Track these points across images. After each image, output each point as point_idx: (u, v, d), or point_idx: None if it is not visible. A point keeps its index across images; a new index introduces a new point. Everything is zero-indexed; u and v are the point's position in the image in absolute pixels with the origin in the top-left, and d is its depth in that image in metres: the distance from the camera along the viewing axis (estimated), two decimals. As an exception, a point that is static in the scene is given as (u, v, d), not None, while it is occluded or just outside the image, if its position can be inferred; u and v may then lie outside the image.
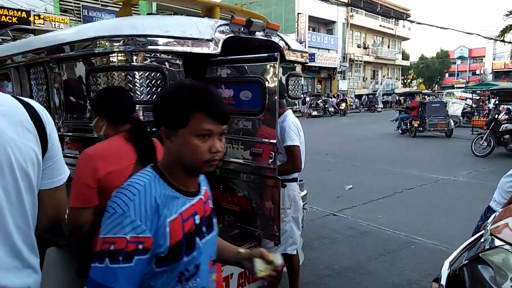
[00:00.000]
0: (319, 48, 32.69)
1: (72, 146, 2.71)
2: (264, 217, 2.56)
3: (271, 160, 2.43)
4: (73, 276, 2.17)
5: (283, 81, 3.26)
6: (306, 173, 3.79)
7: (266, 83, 2.40)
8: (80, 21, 15.28)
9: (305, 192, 3.51)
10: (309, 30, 31.82)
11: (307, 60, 3.56)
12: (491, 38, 29.29)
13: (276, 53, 2.34)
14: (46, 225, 1.33)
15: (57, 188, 1.29)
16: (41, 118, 1.22)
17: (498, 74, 51.67)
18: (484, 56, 57.49)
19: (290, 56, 3.16)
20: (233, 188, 2.71)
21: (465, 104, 20.51)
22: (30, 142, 1.17)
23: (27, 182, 1.16)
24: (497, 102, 12.87)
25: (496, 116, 11.29)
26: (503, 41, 26.80)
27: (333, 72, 35.17)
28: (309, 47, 29.08)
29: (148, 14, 3.24)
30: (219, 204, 2.81)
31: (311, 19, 31.92)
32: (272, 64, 2.36)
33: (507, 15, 24.98)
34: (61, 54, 2.58)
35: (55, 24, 14.30)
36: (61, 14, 15.25)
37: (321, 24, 35.11)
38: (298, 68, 3.43)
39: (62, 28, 13.05)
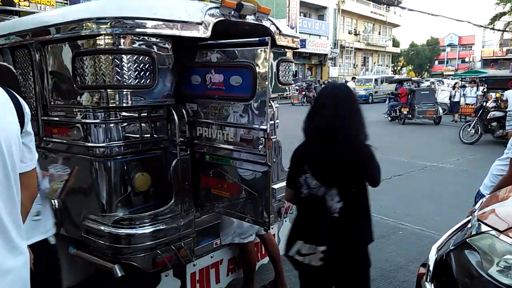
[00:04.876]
0: (310, 34, 32.48)
1: (59, 131, 2.66)
2: (254, 204, 2.56)
3: (261, 146, 2.42)
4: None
5: (274, 66, 3.22)
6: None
7: (257, 68, 2.36)
8: (67, 2, 14.92)
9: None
10: (300, 15, 31.55)
11: (298, 46, 3.52)
12: (481, 26, 29.41)
13: (267, 37, 2.30)
14: (29, 207, 1.41)
15: (34, 169, 1.38)
16: (18, 98, 1.31)
17: (487, 62, 52.17)
18: (473, 44, 57.85)
19: (281, 41, 3.12)
20: (223, 174, 2.69)
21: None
22: (14, 119, 1.25)
23: (11, 161, 1.21)
24: (485, 89, 12.98)
25: (484, 103, 11.41)
26: (493, 28, 26.96)
27: (324, 58, 35.05)
28: (300, 32, 28.83)
29: (136, -4, 3.16)
30: (209, 190, 2.80)
31: (302, 4, 31.63)
32: (263, 49, 2.32)
33: (497, 3, 25.09)
34: (46, 37, 2.51)
35: (40, 6, 13.96)
36: (47, -4, 14.87)
37: (312, 10, 34.84)
38: (289, 54, 3.38)
39: (48, 10, 12.74)
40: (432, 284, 2.05)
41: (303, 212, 2.09)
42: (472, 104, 15.30)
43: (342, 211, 1.93)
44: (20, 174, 1.28)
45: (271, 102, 3.03)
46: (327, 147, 1.92)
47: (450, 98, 17.08)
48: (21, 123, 1.29)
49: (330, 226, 1.94)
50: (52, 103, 2.61)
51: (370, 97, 25.71)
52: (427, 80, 27.82)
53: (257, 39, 2.38)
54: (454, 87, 17.60)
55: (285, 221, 3.53)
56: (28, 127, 1.33)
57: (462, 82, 18.54)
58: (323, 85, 2.19)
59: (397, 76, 31.27)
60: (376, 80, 26.94)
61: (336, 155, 1.90)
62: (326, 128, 1.92)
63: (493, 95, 12.16)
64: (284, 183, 3.29)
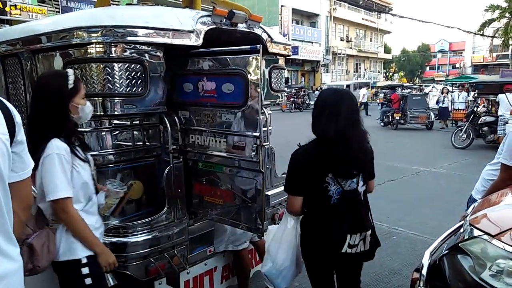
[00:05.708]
0: (302, 41, 32.70)
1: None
2: (247, 210, 2.55)
3: (254, 153, 2.42)
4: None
5: (266, 73, 3.24)
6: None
7: (249, 75, 2.37)
8: (59, 11, 14.90)
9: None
10: (292, 22, 31.77)
11: (290, 53, 3.54)
12: (470, 32, 29.80)
13: (258, 45, 2.31)
14: (24, 216, 1.41)
15: (27, 178, 1.36)
16: (8, 108, 1.30)
17: (477, 68, 52.68)
18: (463, 50, 58.48)
19: (273, 49, 3.13)
20: (216, 181, 2.69)
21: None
22: (1, 128, 1.23)
23: None
24: (476, 95, 13.13)
25: (475, 108, 11.53)
26: (482, 35, 27.33)
27: (317, 65, 35.27)
28: (292, 40, 29.05)
29: (127, 4, 3.16)
30: (202, 197, 2.79)
31: (295, 11, 31.87)
32: (255, 57, 2.33)
33: (486, 10, 25.47)
34: (37, 45, 2.50)
35: (32, 15, 13.92)
36: (39, 5, 14.85)
37: (304, 17, 35.11)
38: (281, 61, 3.40)
39: (39, 18, 12.71)
40: (426, 289, 2.05)
41: (337, 208, 2.07)
42: (463, 110, 15.36)
43: (364, 194, 2.21)
44: (13, 184, 1.26)
45: (263, 109, 3.04)
46: (346, 145, 2.07)
47: (437, 103, 16.52)
48: (12, 132, 1.27)
49: (365, 210, 2.17)
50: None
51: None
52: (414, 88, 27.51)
53: (248, 46, 2.39)
54: (442, 92, 17.15)
55: (279, 227, 3.52)
56: (19, 136, 1.32)
57: (451, 87, 18.46)
58: (322, 89, 2.16)
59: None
60: (348, 86, 25.60)
61: (352, 153, 2.11)
62: (350, 130, 2.10)
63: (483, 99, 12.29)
64: (278, 189, 3.30)
